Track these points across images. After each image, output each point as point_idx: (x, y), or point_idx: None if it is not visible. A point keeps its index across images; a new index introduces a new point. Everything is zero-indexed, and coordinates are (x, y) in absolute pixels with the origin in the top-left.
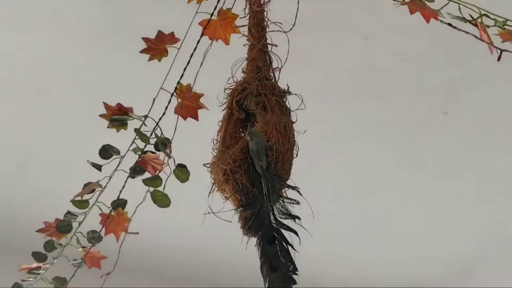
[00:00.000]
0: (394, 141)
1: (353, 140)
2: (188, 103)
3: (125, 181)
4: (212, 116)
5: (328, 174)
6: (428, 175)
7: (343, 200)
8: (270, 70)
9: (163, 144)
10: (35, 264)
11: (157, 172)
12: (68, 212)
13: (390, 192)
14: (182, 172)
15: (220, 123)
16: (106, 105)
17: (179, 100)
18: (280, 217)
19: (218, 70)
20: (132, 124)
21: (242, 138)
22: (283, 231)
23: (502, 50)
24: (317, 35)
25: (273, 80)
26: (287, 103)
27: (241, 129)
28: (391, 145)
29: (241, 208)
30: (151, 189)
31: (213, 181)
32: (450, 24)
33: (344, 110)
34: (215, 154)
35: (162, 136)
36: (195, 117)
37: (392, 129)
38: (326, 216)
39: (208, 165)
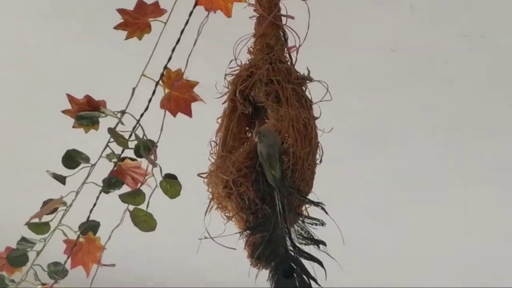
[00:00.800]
0: (450, 143)
1: (396, 142)
2: (179, 95)
3: (97, 198)
4: (210, 111)
5: (363, 186)
6: (496, 187)
7: (383, 220)
8: (285, 49)
9: (146, 148)
10: None
11: (139, 185)
12: (23, 239)
13: (446, 209)
14: (171, 184)
15: (220, 120)
16: (71, 98)
17: (166, 91)
18: (300, 243)
19: (217, 51)
20: (106, 122)
21: (248, 139)
22: (304, 261)
23: None
24: (347, 3)
25: (289, 63)
26: (307, 93)
27: (247, 128)
28: (447, 149)
29: (248, 231)
30: (131, 207)
31: (211, 196)
32: None
33: (383, 103)
34: (213, 160)
35: (144, 137)
36: (188, 113)
37: (448, 127)
38: (361, 240)
39: (204, 175)
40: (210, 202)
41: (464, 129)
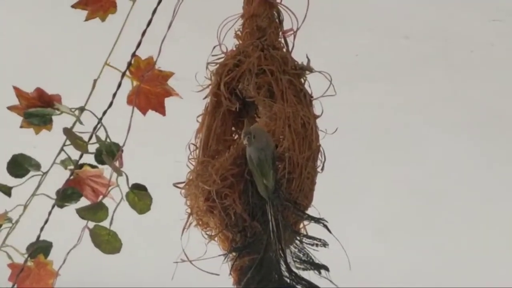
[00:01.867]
0: (477, 143)
1: (411, 144)
2: (150, 88)
3: (49, 213)
4: (188, 108)
5: (372, 198)
6: None
7: (396, 239)
8: (280, 33)
9: (110, 153)
10: None
11: (100, 197)
12: None
13: (471, 227)
14: (139, 197)
15: (200, 119)
16: (18, 91)
17: (134, 83)
18: (297, 268)
19: (197, 35)
20: (61, 121)
21: (235, 141)
22: None
23: None
24: None
25: (284, 50)
26: (306, 86)
27: (233, 128)
28: (473, 151)
29: (234, 254)
30: (91, 224)
31: (189, 211)
32: None
33: (396, 97)
34: (192, 167)
35: (108, 140)
36: (161, 110)
37: (474, 124)
38: (370, 264)
39: (181, 185)
40: (188, 217)
41: (494, 127)
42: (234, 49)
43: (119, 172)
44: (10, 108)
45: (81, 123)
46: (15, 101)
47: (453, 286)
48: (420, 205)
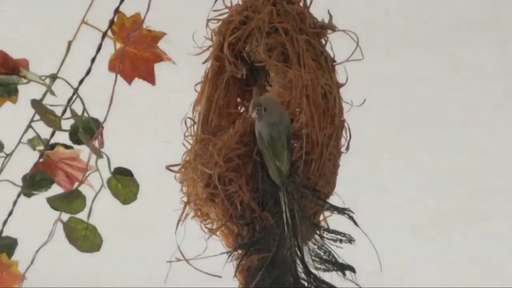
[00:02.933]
0: None
1: (455, 124)
2: (136, 51)
3: (14, 203)
4: (183, 75)
5: (405, 187)
6: None
7: (434, 236)
8: None
9: (88, 130)
10: None
11: (76, 184)
12: None
13: None
14: (123, 183)
15: (199, 88)
16: None
17: (118, 46)
18: (317, 268)
19: None
20: (28, 91)
21: (241, 115)
22: None
23: None
24: None
25: (301, 4)
26: (328, 49)
27: (239, 99)
28: None
29: (240, 251)
30: (65, 217)
31: (185, 199)
32: None
33: (439, 66)
34: (190, 146)
35: (85, 115)
36: (149, 78)
37: None
38: (402, 265)
39: (176, 169)
40: (184, 207)
41: None
42: (240, 3)
43: (99, 154)
44: None
45: (53, 94)
46: None
47: None
48: (462, 198)
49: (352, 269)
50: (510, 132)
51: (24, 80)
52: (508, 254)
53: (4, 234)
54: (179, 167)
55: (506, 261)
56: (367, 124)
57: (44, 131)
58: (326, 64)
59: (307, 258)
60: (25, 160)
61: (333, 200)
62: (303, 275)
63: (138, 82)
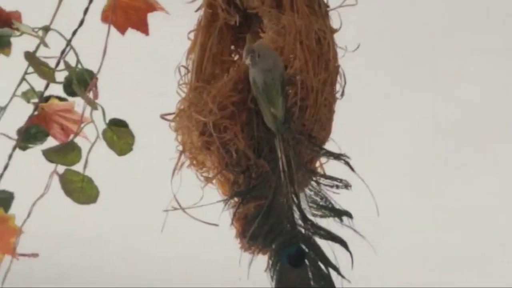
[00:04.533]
0: None
1: (452, 70)
2: (129, 1)
3: (10, 156)
4: (176, 24)
5: (407, 131)
6: None
7: (425, 185)
8: None
9: (82, 82)
10: None
11: (71, 136)
12: None
13: None
14: (119, 135)
15: (192, 36)
16: None
17: None
18: (314, 214)
19: None
20: (21, 44)
21: (235, 62)
22: (319, 241)
23: None
24: None
25: None
26: None
27: (233, 46)
28: None
29: (237, 199)
30: (61, 169)
31: (181, 148)
32: None
33: (433, 9)
34: (184, 95)
35: (79, 66)
36: (143, 28)
37: None
38: (403, 211)
39: (170, 117)
40: (179, 156)
41: None
42: None
43: (93, 105)
44: None
45: (46, 46)
46: None
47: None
48: (451, 147)
49: (349, 215)
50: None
51: (17, 33)
52: (503, 206)
53: (0, 187)
54: (173, 115)
55: (501, 214)
56: (361, 71)
57: (38, 83)
58: (320, 9)
59: (304, 205)
60: (20, 113)
61: (329, 145)
62: (300, 222)
63: (131, 33)
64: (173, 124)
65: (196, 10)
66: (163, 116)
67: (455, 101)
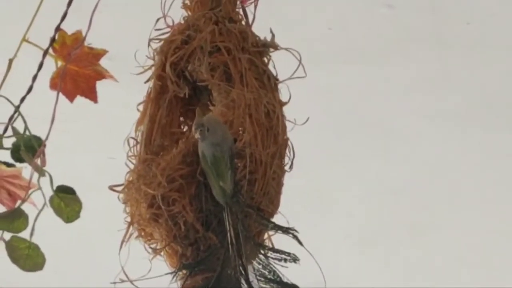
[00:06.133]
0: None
1: (396, 135)
2: (78, 69)
3: None
4: (125, 93)
5: (353, 200)
6: None
7: (378, 250)
8: (238, 2)
9: (30, 148)
10: None
11: (18, 203)
12: None
13: (471, 234)
14: (66, 202)
15: (141, 108)
16: None
17: (59, 63)
18: (261, 287)
19: (135, 5)
20: None
21: (184, 135)
22: None
23: None
24: None
25: (243, 23)
26: (270, 67)
27: (182, 118)
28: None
29: (185, 271)
30: (7, 235)
31: (129, 219)
32: None
33: (377, 78)
34: (133, 166)
35: (27, 133)
36: (91, 96)
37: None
38: (348, 280)
39: (119, 189)
40: (128, 227)
41: (496, 116)
42: (182, 22)
43: (41, 172)
44: None
45: None
46: None
47: None
48: (405, 210)
49: (295, 287)
50: (449, 142)
51: None
52: (452, 263)
53: None
54: (122, 187)
55: (451, 270)
56: (311, 143)
57: None
58: (269, 83)
59: (252, 278)
60: None
61: (277, 219)
62: None
63: (80, 99)
64: (121, 195)
65: (146, 82)
66: (112, 188)
67: (404, 163)
